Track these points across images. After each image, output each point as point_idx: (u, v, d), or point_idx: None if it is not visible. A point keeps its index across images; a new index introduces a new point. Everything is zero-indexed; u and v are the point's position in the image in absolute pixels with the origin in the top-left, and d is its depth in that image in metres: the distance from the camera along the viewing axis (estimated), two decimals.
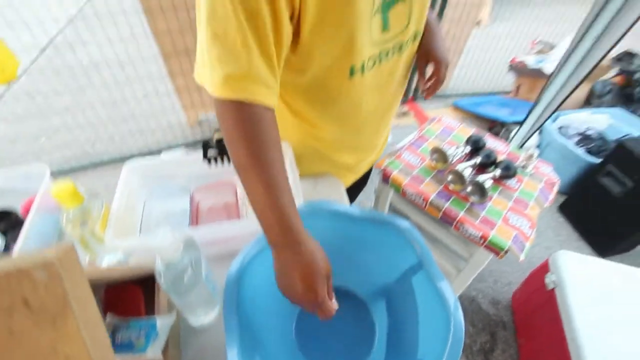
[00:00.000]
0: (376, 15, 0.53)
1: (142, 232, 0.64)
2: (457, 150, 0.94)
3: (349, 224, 0.57)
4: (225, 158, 0.65)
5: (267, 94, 0.45)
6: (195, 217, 0.69)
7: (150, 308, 0.53)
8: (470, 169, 0.87)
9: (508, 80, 2.68)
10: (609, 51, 1.26)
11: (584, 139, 1.90)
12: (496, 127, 2.30)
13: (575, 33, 1.33)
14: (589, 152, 1.82)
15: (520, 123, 1.73)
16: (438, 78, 0.72)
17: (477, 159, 0.92)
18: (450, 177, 0.88)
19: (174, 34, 1.73)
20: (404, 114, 2.53)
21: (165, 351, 0.48)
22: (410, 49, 0.66)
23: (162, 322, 0.49)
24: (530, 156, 0.95)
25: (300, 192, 0.65)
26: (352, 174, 0.89)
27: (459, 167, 0.87)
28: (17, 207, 0.71)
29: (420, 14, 0.61)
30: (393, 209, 1.10)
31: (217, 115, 0.46)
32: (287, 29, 0.46)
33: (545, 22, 2.86)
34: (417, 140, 1.06)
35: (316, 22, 0.48)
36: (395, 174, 0.93)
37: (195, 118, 2.25)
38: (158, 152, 2.06)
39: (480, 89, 2.72)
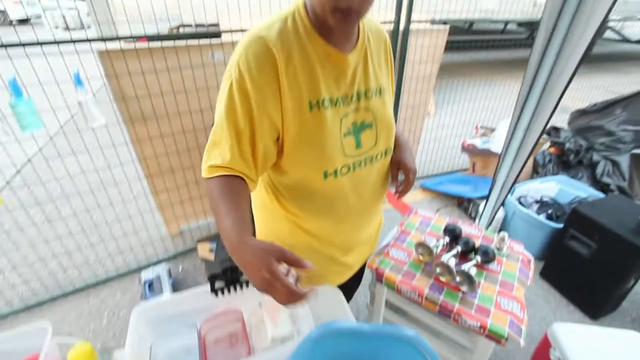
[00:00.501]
0: (349, 137, 0.71)
1: None
2: (438, 242, 1.03)
3: (359, 340, 0.59)
4: (232, 287, 0.68)
5: (238, 168, 0.63)
6: (203, 353, 0.68)
7: None
8: (453, 259, 0.95)
9: (463, 159, 3.03)
10: (545, 126, 1.44)
11: (542, 205, 2.11)
12: (464, 202, 2.50)
13: (512, 116, 1.56)
14: (550, 217, 2.01)
15: (486, 198, 1.91)
16: (408, 183, 0.87)
17: (458, 248, 1.01)
18: (438, 270, 0.95)
19: (160, 157, 1.87)
20: None
21: None
22: (383, 161, 0.82)
23: None
24: (503, 238, 1.06)
25: (307, 306, 0.68)
26: (345, 268, 0.93)
27: (444, 258, 0.95)
28: None
29: (386, 136, 0.79)
30: (390, 306, 1.12)
31: (207, 190, 0.64)
32: (266, 145, 0.65)
33: (482, 108, 3.39)
34: (401, 235, 1.15)
35: (295, 142, 0.66)
36: (387, 272, 0.98)
37: (177, 229, 2.27)
38: (138, 270, 1.99)
39: (442, 169, 3.03)
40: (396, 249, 1.08)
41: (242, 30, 1.77)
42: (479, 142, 2.71)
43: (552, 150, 2.68)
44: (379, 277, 1.00)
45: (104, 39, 1.51)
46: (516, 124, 1.57)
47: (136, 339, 0.62)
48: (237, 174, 0.63)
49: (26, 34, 1.41)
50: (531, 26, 6.26)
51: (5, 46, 1.32)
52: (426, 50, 2.40)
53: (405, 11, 2.11)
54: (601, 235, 1.60)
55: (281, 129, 0.65)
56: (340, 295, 0.85)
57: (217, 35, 1.84)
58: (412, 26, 2.18)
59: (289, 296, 0.48)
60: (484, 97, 3.55)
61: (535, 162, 2.62)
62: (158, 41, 1.60)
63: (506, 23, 6.25)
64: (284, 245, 0.52)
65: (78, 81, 1.45)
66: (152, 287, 1.77)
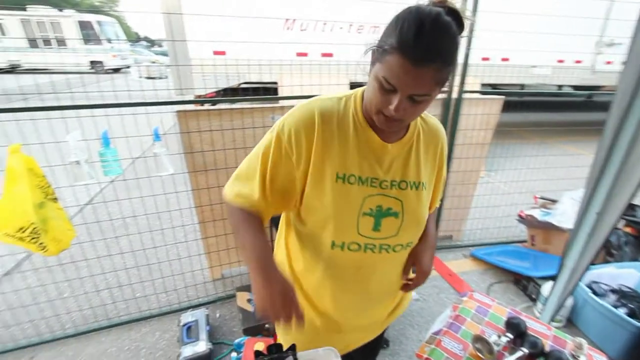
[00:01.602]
0: (368, 217, 0.71)
1: None
2: (500, 339, 0.91)
3: None
4: None
5: (260, 210, 0.74)
6: None
7: None
8: None
9: (520, 230, 2.79)
10: (626, 204, 1.26)
11: (621, 297, 1.82)
12: (522, 280, 2.25)
13: (585, 189, 1.41)
14: (632, 313, 1.71)
15: (552, 281, 1.71)
16: (416, 283, 0.85)
17: (524, 350, 0.88)
18: None
19: (214, 205, 1.98)
20: None
21: None
22: (404, 253, 0.79)
23: None
24: (580, 346, 0.91)
25: None
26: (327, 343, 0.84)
27: (507, 359, 0.83)
28: None
29: (414, 231, 0.77)
30: None
31: (228, 214, 0.76)
32: (285, 194, 0.73)
33: (538, 175, 3.18)
34: (454, 322, 1.04)
35: (311, 204, 0.72)
36: None
37: (219, 274, 2.31)
38: (179, 311, 2.02)
39: (494, 238, 2.81)
40: (450, 338, 0.98)
41: (300, 97, 1.90)
42: (538, 214, 2.50)
43: (628, 230, 2.38)
44: None
45: (182, 102, 1.72)
46: (589, 199, 1.42)
47: None
48: (258, 212, 0.73)
49: (117, 80, 1.66)
50: (589, 89, 5.97)
51: (103, 106, 1.56)
52: (479, 118, 2.38)
53: (459, 80, 2.15)
54: None
55: (301, 189, 0.71)
56: None
57: (275, 90, 2.02)
58: (465, 95, 2.20)
59: (288, 322, 0.64)
60: (540, 162, 3.35)
61: (608, 242, 2.33)
62: (223, 97, 1.80)
63: (560, 86, 6.04)
64: None
65: (156, 136, 1.64)
66: (189, 331, 1.78)
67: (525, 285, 2.23)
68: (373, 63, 0.62)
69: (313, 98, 0.73)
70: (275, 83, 4.15)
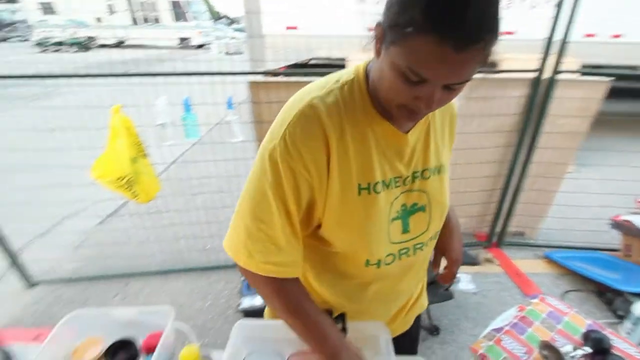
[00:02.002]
0: (396, 221, 0.62)
1: None
2: (575, 351, 0.81)
3: None
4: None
5: (296, 271, 0.61)
6: None
7: None
8: None
9: (611, 236, 2.40)
10: None
11: None
12: (607, 293, 1.96)
13: None
14: None
15: None
16: (450, 275, 0.77)
17: None
18: None
19: None
20: (488, 260, 2.36)
21: None
22: (430, 246, 0.71)
23: None
24: None
25: None
26: None
27: None
28: (137, 338, 0.80)
29: (439, 219, 0.68)
30: None
31: (252, 282, 0.62)
32: (311, 220, 0.60)
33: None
34: (519, 323, 0.96)
35: (335, 226, 0.59)
36: None
37: None
38: None
39: (576, 243, 2.47)
40: (512, 338, 0.91)
41: None
42: (638, 221, 2.12)
43: None
44: None
45: (255, 73, 1.79)
46: None
47: (234, 351, 0.68)
48: (291, 275, 0.60)
49: (200, 56, 1.79)
50: None
51: (186, 74, 1.70)
52: (576, 103, 2.04)
53: (555, 58, 1.85)
54: None
55: (322, 210, 0.58)
56: None
57: (342, 67, 1.98)
58: (561, 76, 1.90)
59: None
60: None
61: None
62: (294, 69, 1.83)
63: None
64: None
65: (230, 105, 1.75)
66: (249, 285, 1.97)
67: (610, 299, 1.94)
68: (383, 42, 0.47)
69: (306, 93, 0.55)
70: (344, 60, 4.07)
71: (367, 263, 0.63)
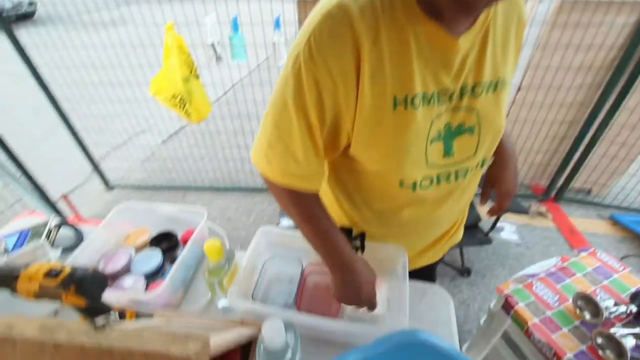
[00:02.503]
0: (437, 142, 0.55)
1: (257, 287, 0.72)
2: (616, 307, 0.74)
3: None
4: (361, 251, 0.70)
5: (314, 185, 0.59)
6: (300, 292, 0.74)
7: None
8: (633, 340, 0.68)
9: None
10: None
11: None
12: None
13: None
14: None
15: None
16: (500, 207, 0.71)
17: None
18: (600, 340, 0.70)
19: None
20: (541, 214, 2.18)
21: None
22: (476, 173, 0.63)
23: None
24: None
25: (406, 303, 0.63)
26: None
27: (618, 330, 0.69)
28: (177, 232, 0.90)
29: (491, 144, 0.59)
30: (506, 338, 0.93)
31: (273, 192, 0.61)
32: (339, 139, 0.56)
33: None
34: (557, 272, 0.89)
35: (365, 143, 0.54)
36: (521, 307, 0.80)
37: None
38: None
39: None
40: (544, 285, 0.85)
41: None
42: None
43: None
44: (507, 306, 0.82)
45: None
46: None
47: (255, 252, 0.74)
48: (309, 187, 0.58)
49: None
50: None
51: None
52: None
53: None
54: None
55: (351, 128, 0.53)
56: (450, 302, 0.75)
57: None
58: None
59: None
60: None
61: None
62: None
63: None
64: None
65: (277, 24, 1.65)
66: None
67: None
68: None
69: None
70: None
71: (401, 184, 0.58)
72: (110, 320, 0.48)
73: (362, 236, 0.71)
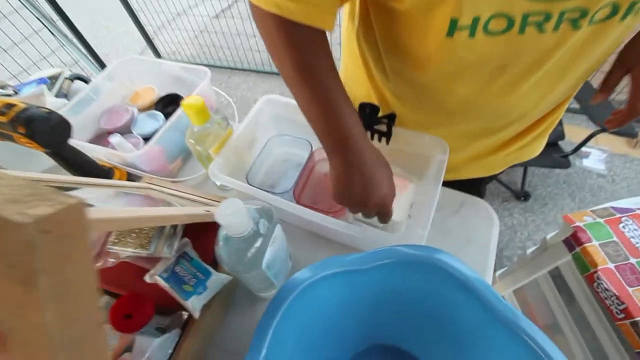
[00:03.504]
0: None
1: (254, 166, 0.61)
2: None
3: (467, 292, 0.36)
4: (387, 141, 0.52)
5: (317, 15, 0.36)
6: (304, 181, 0.61)
7: None
8: None
9: None
10: None
11: None
12: None
13: None
14: None
15: None
16: (627, 115, 0.43)
17: None
18: None
19: None
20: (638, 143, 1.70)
21: (207, 307, 0.44)
22: (601, 30, 0.34)
23: (215, 279, 0.45)
24: None
25: (431, 212, 0.47)
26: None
27: None
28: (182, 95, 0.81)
29: None
30: (556, 274, 0.77)
31: (260, 28, 0.40)
32: None
33: None
34: None
35: None
36: (593, 245, 0.59)
37: None
38: None
39: None
40: (636, 224, 0.62)
41: None
42: None
43: None
44: (573, 240, 0.62)
45: None
46: None
47: (253, 123, 0.61)
48: (310, 16, 0.35)
49: None
50: None
51: None
52: None
53: None
54: None
55: None
56: (493, 221, 0.57)
57: None
58: None
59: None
60: None
61: None
62: None
63: None
64: None
65: None
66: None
67: None
68: None
69: None
70: None
71: (454, 26, 0.35)
72: None
73: (390, 117, 0.51)
